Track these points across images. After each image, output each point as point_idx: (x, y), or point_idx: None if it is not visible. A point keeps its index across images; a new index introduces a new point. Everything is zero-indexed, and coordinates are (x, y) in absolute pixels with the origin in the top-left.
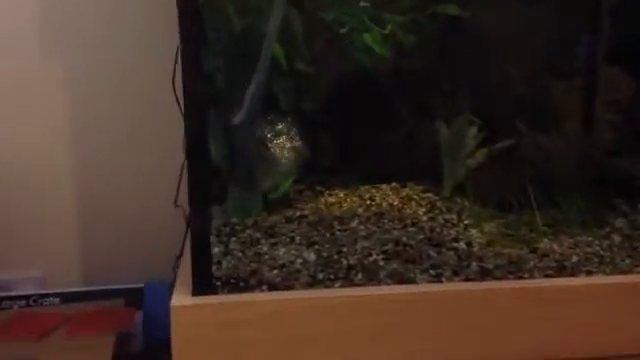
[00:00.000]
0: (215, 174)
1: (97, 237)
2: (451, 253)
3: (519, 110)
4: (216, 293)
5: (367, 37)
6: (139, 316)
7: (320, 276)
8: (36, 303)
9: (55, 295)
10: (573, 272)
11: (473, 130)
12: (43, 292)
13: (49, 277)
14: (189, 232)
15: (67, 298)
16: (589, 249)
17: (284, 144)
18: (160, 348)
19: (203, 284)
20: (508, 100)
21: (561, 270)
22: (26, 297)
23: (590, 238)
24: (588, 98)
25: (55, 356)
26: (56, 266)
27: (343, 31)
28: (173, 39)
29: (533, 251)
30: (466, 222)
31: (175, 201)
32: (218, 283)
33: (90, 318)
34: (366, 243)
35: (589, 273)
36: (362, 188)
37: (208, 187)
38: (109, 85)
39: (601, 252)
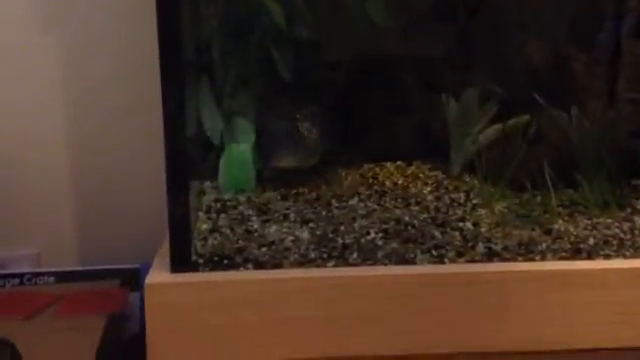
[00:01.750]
0: (207, 148)
1: (94, 215)
2: (456, 233)
3: (536, 85)
4: (197, 271)
5: (370, 4)
6: (135, 298)
7: (312, 255)
8: (30, 282)
9: (50, 274)
10: (590, 255)
11: (485, 105)
12: (38, 271)
13: (44, 255)
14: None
15: (62, 277)
16: (608, 231)
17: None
18: None
19: (182, 261)
20: (524, 74)
21: (576, 253)
22: (20, 275)
23: (609, 220)
24: (611, 75)
25: (41, 336)
26: (52, 244)
27: None
28: None
29: (547, 232)
30: (474, 202)
31: None
32: (200, 260)
33: (81, 298)
34: (365, 222)
35: (607, 257)
36: (365, 167)
37: (185, 159)
38: (104, 62)
39: (621, 235)
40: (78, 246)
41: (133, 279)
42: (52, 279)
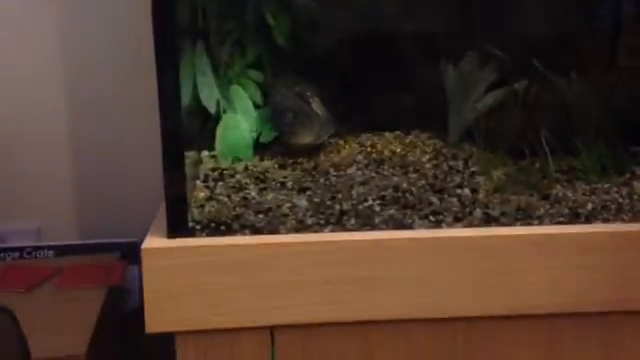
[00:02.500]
0: (205, 117)
1: (93, 190)
2: (454, 199)
3: (534, 50)
4: (193, 236)
5: None
6: (134, 271)
7: (309, 221)
8: (30, 255)
9: (49, 248)
10: (588, 220)
11: (484, 71)
12: (37, 244)
13: (44, 229)
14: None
15: (62, 251)
16: (606, 196)
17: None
18: None
19: (179, 226)
20: (522, 39)
21: (574, 218)
22: (20, 249)
23: (608, 185)
24: (612, 41)
25: (43, 308)
26: (51, 218)
27: None
28: None
29: (545, 198)
30: (473, 169)
31: None
32: (197, 227)
33: (81, 271)
34: (363, 189)
35: (605, 221)
36: (363, 136)
37: (179, 125)
38: (104, 34)
39: (619, 200)
40: (78, 220)
41: (132, 253)
42: (52, 253)
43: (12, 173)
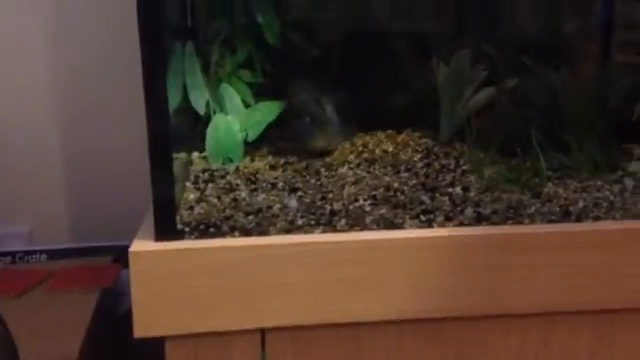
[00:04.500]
0: (194, 119)
1: (85, 192)
2: (445, 198)
3: (526, 48)
4: (182, 239)
5: None
6: (127, 274)
7: (299, 222)
8: (22, 260)
9: (42, 252)
10: (579, 218)
11: (475, 69)
12: (29, 249)
13: (36, 233)
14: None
15: (54, 255)
16: (598, 194)
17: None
18: None
19: (167, 228)
20: (514, 36)
21: (565, 216)
22: (12, 254)
23: (600, 183)
24: (603, 37)
25: (34, 312)
26: (43, 222)
27: None
28: None
29: (536, 196)
30: (464, 168)
31: None
32: (186, 229)
33: (73, 274)
34: (354, 189)
35: (597, 219)
36: (355, 135)
37: (166, 127)
38: (95, 36)
39: (611, 197)
40: (70, 223)
41: (125, 256)
42: (44, 256)
43: (2, 176)
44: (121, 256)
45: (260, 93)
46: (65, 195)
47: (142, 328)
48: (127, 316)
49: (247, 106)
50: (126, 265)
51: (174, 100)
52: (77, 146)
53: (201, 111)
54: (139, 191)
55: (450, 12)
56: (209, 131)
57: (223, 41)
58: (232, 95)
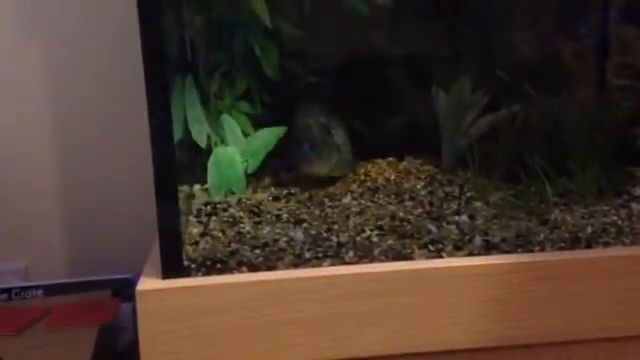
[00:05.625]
0: (196, 151)
1: (82, 226)
2: (452, 227)
3: (525, 74)
4: (189, 276)
5: None
6: (127, 308)
7: (307, 255)
8: (18, 296)
9: (38, 287)
10: (589, 244)
11: (475, 96)
12: (26, 284)
13: (32, 268)
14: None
15: (51, 290)
16: (605, 219)
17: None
18: None
19: (173, 266)
20: (513, 63)
21: (575, 242)
22: (8, 290)
23: (606, 207)
24: (600, 61)
25: (33, 351)
26: (40, 257)
27: None
28: None
29: (543, 223)
30: (469, 195)
31: None
32: (192, 265)
33: (73, 310)
34: (359, 219)
35: (606, 245)
36: (356, 164)
37: (173, 164)
38: (91, 72)
39: (619, 222)
40: (67, 257)
41: (124, 289)
42: (41, 292)
43: None
44: (120, 290)
45: (259, 124)
46: (60, 228)
47: None
48: (128, 351)
49: (247, 137)
50: (125, 299)
51: (176, 133)
52: (72, 180)
53: (202, 144)
54: (136, 224)
55: (447, 39)
56: (211, 164)
57: (222, 74)
58: (232, 125)
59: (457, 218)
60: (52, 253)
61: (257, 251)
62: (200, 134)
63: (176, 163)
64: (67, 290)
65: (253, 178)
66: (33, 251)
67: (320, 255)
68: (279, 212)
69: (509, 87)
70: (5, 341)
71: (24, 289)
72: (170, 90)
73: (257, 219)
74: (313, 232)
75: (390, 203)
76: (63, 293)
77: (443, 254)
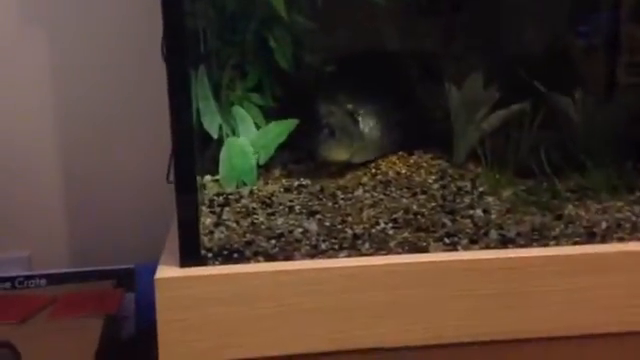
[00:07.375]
0: (206, 142)
1: (86, 216)
2: (467, 221)
3: (538, 70)
4: (206, 265)
5: None
6: (130, 298)
7: (323, 246)
8: (22, 285)
9: (41, 277)
10: (604, 239)
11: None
12: (29, 274)
13: (35, 258)
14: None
15: (54, 279)
16: (619, 215)
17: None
18: (154, 331)
19: (192, 254)
20: (526, 60)
21: (590, 237)
22: (11, 279)
23: (620, 203)
24: (611, 60)
25: (38, 339)
26: (43, 246)
27: None
28: None
29: (558, 218)
30: (481, 189)
31: (167, 177)
32: (209, 255)
33: (76, 300)
34: (373, 212)
35: (621, 240)
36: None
37: (192, 151)
38: (95, 59)
39: (633, 218)
40: (69, 247)
41: (128, 279)
42: (44, 281)
43: (0, 201)
44: (124, 280)
45: (270, 116)
46: (64, 218)
47: (167, 356)
48: (133, 340)
49: (258, 128)
50: (128, 289)
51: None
52: (75, 170)
53: (214, 135)
54: (139, 214)
55: (460, 35)
56: (222, 155)
57: (234, 65)
58: (244, 117)
59: (471, 212)
60: (55, 242)
61: (273, 241)
62: (212, 125)
63: (195, 154)
64: (70, 279)
65: (263, 169)
66: (36, 240)
67: (336, 247)
68: (291, 203)
69: (521, 83)
70: (10, 330)
71: (28, 278)
72: (190, 80)
73: (270, 210)
74: (327, 224)
75: (403, 196)
76: (65, 282)
77: (459, 247)
